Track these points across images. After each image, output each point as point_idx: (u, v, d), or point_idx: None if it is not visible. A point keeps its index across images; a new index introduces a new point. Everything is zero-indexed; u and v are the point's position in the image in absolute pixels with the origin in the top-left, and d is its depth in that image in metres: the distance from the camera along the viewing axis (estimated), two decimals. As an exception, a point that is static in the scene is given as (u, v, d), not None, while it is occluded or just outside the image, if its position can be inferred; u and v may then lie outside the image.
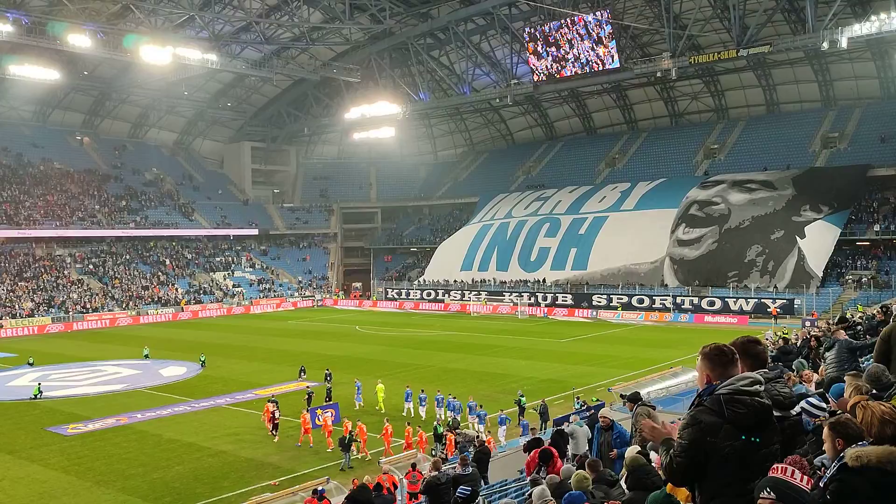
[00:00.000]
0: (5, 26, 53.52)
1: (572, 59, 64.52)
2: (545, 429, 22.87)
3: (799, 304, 52.38)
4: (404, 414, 28.15)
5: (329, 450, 24.03)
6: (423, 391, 28.93)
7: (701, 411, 3.38)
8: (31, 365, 41.88)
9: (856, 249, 57.14)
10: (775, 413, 3.57)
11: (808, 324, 41.78)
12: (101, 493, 20.65)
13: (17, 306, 60.92)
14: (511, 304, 65.17)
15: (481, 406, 26.36)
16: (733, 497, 3.26)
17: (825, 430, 3.58)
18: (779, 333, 31.49)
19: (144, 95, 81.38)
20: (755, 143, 69.11)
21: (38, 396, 32.93)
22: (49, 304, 62.86)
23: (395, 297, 76.14)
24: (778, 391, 3.68)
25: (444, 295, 72.11)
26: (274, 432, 25.54)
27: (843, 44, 50.25)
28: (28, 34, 55.52)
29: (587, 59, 63.70)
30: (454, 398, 27.42)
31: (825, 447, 3.60)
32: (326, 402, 29.16)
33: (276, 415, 25.66)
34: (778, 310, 52.39)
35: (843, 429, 3.52)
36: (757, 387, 3.34)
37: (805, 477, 3.04)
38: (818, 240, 55.10)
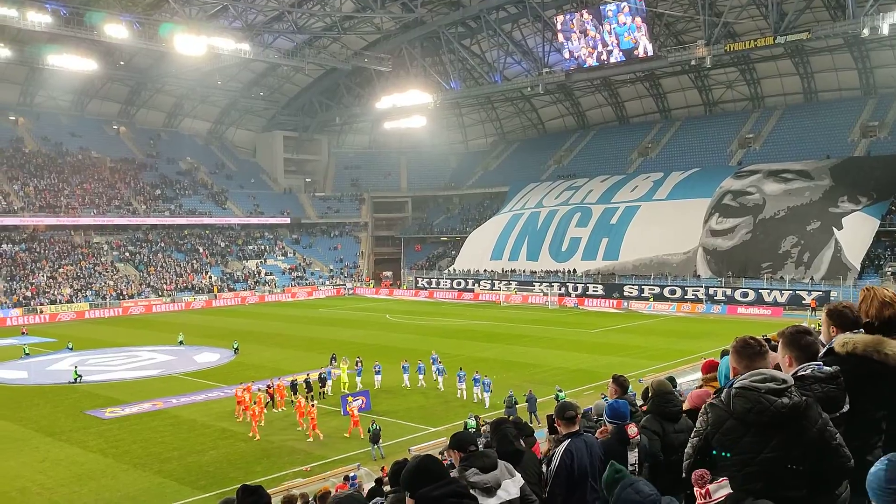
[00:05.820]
0: (44, 17, 54.63)
1: (605, 48, 63.84)
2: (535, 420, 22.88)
3: (835, 297, 51.35)
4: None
5: (346, 435, 24.24)
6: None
7: (712, 403, 3.36)
8: (70, 349, 42.90)
9: (895, 241, 55.91)
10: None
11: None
12: (139, 475, 21.13)
13: (56, 292, 62.34)
14: (523, 294, 64.97)
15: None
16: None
17: (823, 315, 3.74)
18: None
19: (179, 85, 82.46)
20: (792, 133, 67.79)
21: (78, 381, 33.73)
22: (87, 290, 64.19)
23: (426, 286, 76.33)
24: (825, 392, 3.42)
25: (473, 284, 72.11)
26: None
27: (885, 30, 49.06)
28: (66, 25, 56.57)
29: (620, 47, 62.99)
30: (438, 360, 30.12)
31: (821, 331, 3.74)
32: (307, 390, 29.12)
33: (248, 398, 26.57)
34: (815, 301, 51.49)
35: (838, 317, 3.65)
36: (771, 384, 3.17)
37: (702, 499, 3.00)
38: (856, 231, 53.99)
